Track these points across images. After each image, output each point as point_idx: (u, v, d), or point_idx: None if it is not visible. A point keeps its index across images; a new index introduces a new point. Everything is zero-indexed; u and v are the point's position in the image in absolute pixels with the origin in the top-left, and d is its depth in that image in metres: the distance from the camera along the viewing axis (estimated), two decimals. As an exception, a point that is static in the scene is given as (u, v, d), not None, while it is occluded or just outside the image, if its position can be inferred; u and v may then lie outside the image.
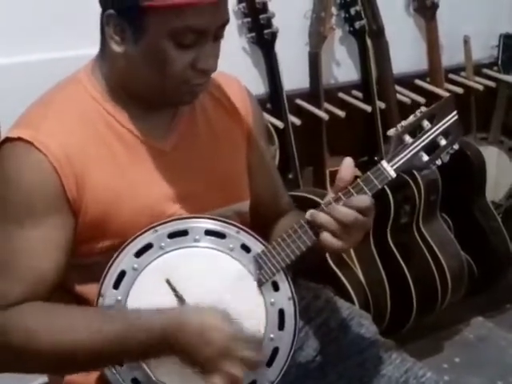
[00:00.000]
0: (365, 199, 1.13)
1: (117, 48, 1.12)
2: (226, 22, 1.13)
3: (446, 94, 2.27)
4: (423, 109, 1.20)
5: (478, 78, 2.47)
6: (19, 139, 1.11)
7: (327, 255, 1.97)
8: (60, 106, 1.17)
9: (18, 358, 1.10)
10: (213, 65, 1.14)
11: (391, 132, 1.18)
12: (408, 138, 1.17)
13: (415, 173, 2.13)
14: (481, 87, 2.44)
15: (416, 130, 1.18)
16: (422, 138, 1.18)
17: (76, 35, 1.63)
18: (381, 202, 2.03)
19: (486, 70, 2.53)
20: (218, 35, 1.13)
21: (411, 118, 1.19)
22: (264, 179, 1.36)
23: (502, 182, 2.56)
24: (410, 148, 1.17)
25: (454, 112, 1.21)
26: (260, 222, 1.33)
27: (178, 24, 1.07)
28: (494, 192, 2.52)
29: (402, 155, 1.17)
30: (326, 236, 1.13)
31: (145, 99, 1.18)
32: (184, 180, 1.22)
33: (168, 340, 1.07)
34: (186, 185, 1.22)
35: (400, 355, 1.32)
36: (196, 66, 1.11)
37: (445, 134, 1.20)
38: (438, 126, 1.19)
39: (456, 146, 1.21)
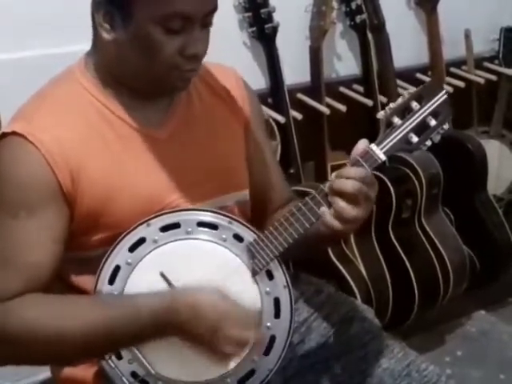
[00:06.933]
0: (357, 170, 1.12)
1: (107, 36, 1.13)
2: (214, 9, 1.14)
3: (448, 88, 2.27)
4: (411, 90, 1.19)
5: (479, 72, 2.47)
6: (14, 133, 1.12)
7: (329, 250, 1.98)
8: (54, 99, 1.18)
9: (19, 348, 1.11)
10: (201, 49, 1.14)
11: (380, 115, 1.17)
12: (397, 120, 1.16)
13: (416, 167, 2.13)
14: (482, 81, 2.44)
15: (405, 112, 1.17)
16: (411, 120, 1.16)
17: (76, 30, 1.62)
18: (382, 197, 2.03)
19: (487, 64, 2.53)
20: (206, 22, 1.13)
21: (399, 100, 1.17)
22: (262, 169, 1.35)
23: (503, 175, 2.56)
24: (399, 130, 1.16)
25: (443, 91, 1.19)
26: (259, 212, 1.34)
27: (165, 9, 1.08)
28: (495, 186, 2.51)
29: (391, 137, 1.15)
30: (326, 214, 1.13)
31: (137, 88, 1.19)
32: (181, 169, 1.22)
33: (162, 319, 1.09)
34: (183, 174, 1.22)
35: (402, 349, 1.32)
36: (184, 51, 1.12)
37: (434, 114, 1.18)
38: (426, 107, 1.17)
39: (446, 126, 1.19)
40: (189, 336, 1.11)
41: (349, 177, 1.12)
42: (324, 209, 1.14)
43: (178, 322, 1.09)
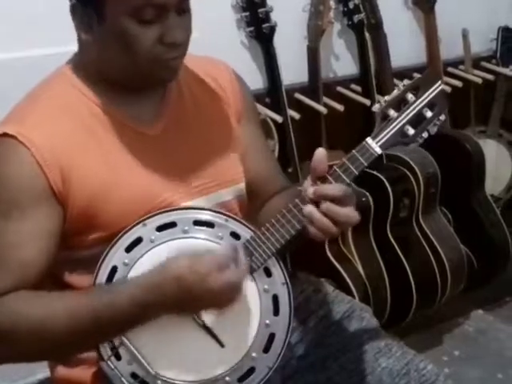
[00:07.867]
0: (333, 187, 1.12)
1: (86, 37, 1.14)
2: None
3: (446, 88, 2.27)
4: (406, 82, 1.17)
5: (476, 72, 2.47)
6: (4, 135, 1.12)
7: (327, 249, 1.98)
8: (45, 100, 1.18)
9: (12, 344, 1.11)
10: (180, 37, 1.13)
11: (375, 108, 1.16)
12: (392, 113, 1.14)
13: (414, 166, 2.13)
14: (479, 80, 2.44)
15: (400, 104, 1.15)
16: (407, 112, 1.15)
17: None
18: (380, 196, 2.03)
19: (484, 64, 2.53)
20: (181, 8, 1.13)
21: (395, 92, 1.16)
22: (256, 160, 1.35)
23: (501, 175, 2.57)
24: (395, 123, 1.14)
25: (439, 82, 1.18)
26: (254, 202, 1.34)
27: (135, 1, 1.08)
28: (493, 185, 2.52)
29: (386, 130, 1.14)
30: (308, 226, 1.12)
31: (125, 84, 1.19)
32: (175, 165, 1.22)
33: (153, 305, 1.08)
34: (177, 170, 1.22)
35: (401, 348, 1.32)
36: (163, 40, 1.12)
37: (430, 105, 1.16)
38: (422, 98, 1.16)
39: (442, 117, 1.18)
40: (188, 307, 1.11)
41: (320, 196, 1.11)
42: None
43: (171, 305, 1.09)
